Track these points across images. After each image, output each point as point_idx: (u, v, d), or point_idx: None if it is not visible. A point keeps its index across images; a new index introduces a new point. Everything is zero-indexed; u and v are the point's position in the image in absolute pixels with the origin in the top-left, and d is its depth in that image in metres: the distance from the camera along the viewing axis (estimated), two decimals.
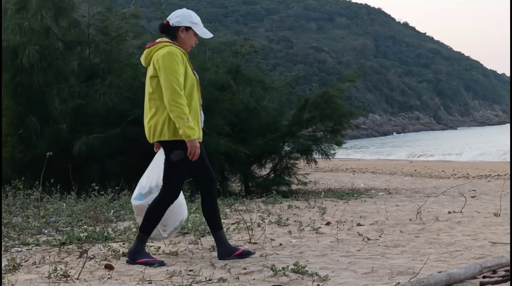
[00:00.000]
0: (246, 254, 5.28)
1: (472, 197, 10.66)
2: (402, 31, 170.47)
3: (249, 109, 12.21)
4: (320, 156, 13.20)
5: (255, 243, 5.98)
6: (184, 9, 5.42)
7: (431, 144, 54.45)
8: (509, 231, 6.55)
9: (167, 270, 4.71)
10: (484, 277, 4.35)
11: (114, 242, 5.97)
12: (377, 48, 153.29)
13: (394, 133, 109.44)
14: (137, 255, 5.09)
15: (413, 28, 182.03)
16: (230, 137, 11.47)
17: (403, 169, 22.25)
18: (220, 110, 11.46)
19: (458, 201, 9.76)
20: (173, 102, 4.98)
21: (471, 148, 41.66)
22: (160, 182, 5.22)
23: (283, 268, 4.57)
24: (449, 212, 8.29)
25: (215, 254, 5.34)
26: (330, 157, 13.28)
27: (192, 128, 5.00)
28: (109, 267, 4.86)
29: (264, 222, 7.36)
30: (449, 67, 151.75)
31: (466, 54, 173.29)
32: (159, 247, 5.64)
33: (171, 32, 5.27)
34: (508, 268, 4.49)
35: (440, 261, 5.08)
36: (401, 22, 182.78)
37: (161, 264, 5.01)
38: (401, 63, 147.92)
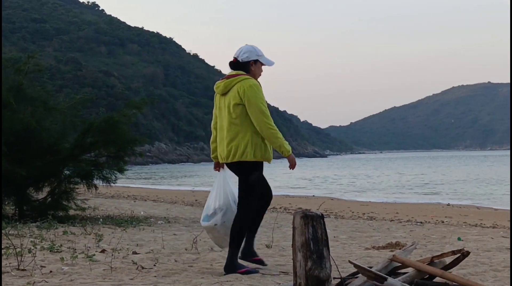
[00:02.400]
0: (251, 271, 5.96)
1: None
2: (192, 63, 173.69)
3: (30, 129, 11.73)
4: (102, 182, 12.96)
5: (23, 269, 5.72)
6: (248, 45, 6.07)
7: (214, 175, 55.65)
8: (278, 262, 6.83)
9: None
10: None
11: None
12: (167, 77, 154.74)
13: (181, 163, 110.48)
14: (232, 268, 5.91)
15: (202, 60, 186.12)
16: (7, 157, 10.93)
17: (184, 198, 22.49)
18: None
19: None
20: (269, 125, 5.76)
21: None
22: (223, 204, 6.07)
23: None
24: None
25: None
26: (111, 183, 13.08)
27: (288, 144, 5.87)
28: None
29: (36, 248, 7.07)
30: None
31: None
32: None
33: (242, 67, 5.99)
34: None
35: None
36: (191, 54, 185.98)
37: (257, 271, 5.95)
38: (189, 93, 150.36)
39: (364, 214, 15.54)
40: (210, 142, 6.22)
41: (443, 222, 13.28)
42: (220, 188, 6.12)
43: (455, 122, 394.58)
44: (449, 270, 4.48)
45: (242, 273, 5.81)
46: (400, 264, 4.35)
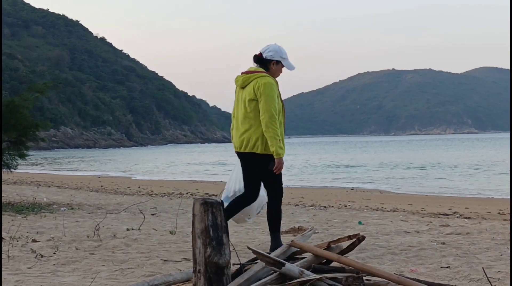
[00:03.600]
0: None
1: (153, 214, 10.93)
2: (99, 46, 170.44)
3: None
4: (4, 168, 12.58)
5: None
6: (275, 44, 6.37)
7: (120, 160, 54.98)
8: (181, 249, 6.82)
9: None
10: None
11: None
12: (73, 60, 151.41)
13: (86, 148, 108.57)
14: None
15: (110, 44, 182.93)
16: None
17: (89, 184, 22.11)
18: None
19: (138, 218, 9.93)
20: (270, 124, 6.04)
21: (158, 166, 42.94)
22: (242, 187, 6.47)
23: None
24: (128, 229, 8.41)
25: None
26: (12, 169, 12.73)
27: (282, 148, 6.12)
28: None
29: None
30: (143, 86, 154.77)
31: (160, 74, 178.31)
32: None
33: (264, 63, 6.32)
34: None
35: (110, 279, 5.11)
36: (98, 37, 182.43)
37: None
38: (96, 77, 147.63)
39: None
40: (231, 128, 6.54)
41: (346, 206, 13.56)
42: (240, 172, 6.53)
43: (360, 108, 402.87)
44: (346, 255, 4.58)
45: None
46: (298, 249, 4.41)
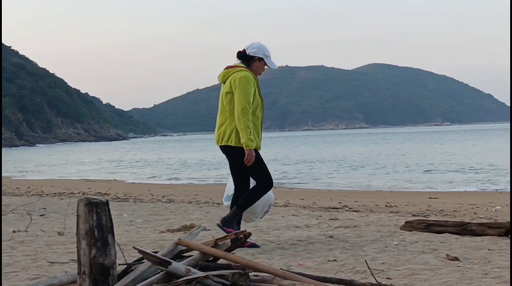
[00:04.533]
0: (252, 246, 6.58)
1: (41, 215, 10.64)
2: None
3: None
4: None
5: None
6: (259, 43, 6.62)
7: (10, 160, 53.21)
8: (70, 250, 6.68)
9: None
10: None
11: None
12: None
13: None
14: (227, 224, 6.44)
15: None
16: None
17: None
18: None
19: (26, 220, 9.64)
20: (242, 116, 6.25)
21: (50, 165, 41.88)
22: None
23: None
24: (14, 231, 8.15)
25: None
26: None
27: (252, 140, 6.29)
28: None
29: None
30: (33, 83, 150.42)
31: (51, 71, 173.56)
32: None
33: (247, 59, 6.57)
34: None
35: None
36: None
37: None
38: None
39: (163, 196, 15.59)
40: None
41: None
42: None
43: None
44: (235, 251, 4.61)
45: (227, 232, 6.25)
46: (185, 248, 4.41)
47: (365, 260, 5.04)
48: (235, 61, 6.71)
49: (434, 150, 50.65)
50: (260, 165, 6.51)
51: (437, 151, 49.34)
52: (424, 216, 10.51)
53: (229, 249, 4.44)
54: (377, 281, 4.36)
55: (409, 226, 8.01)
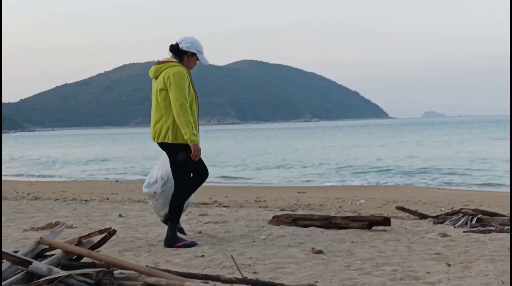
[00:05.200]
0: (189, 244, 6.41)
1: None
2: None
3: None
4: None
5: None
6: (193, 37, 6.51)
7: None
8: None
9: None
10: None
11: None
12: None
13: None
14: (173, 242, 6.38)
15: None
16: None
17: None
18: None
19: None
20: (181, 112, 6.18)
21: None
22: (165, 174, 6.57)
23: None
24: None
25: None
26: None
27: (195, 134, 6.27)
28: None
29: None
30: None
31: None
32: None
33: (179, 54, 6.47)
34: None
35: None
36: None
37: (194, 243, 6.44)
38: None
39: (29, 194, 15.08)
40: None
41: (108, 199, 13.43)
42: (165, 160, 6.62)
43: (126, 99, 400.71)
44: (98, 249, 4.52)
45: (179, 246, 6.32)
46: (48, 246, 4.28)
47: (232, 255, 5.08)
48: (171, 55, 6.58)
49: (313, 146, 51.88)
50: (186, 165, 6.50)
51: (318, 146, 50.56)
52: (292, 210, 10.73)
53: (94, 247, 4.34)
54: (243, 275, 4.40)
55: (277, 220, 8.16)
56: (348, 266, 5.43)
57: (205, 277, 4.19)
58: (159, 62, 6.47)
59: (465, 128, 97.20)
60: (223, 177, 23.73)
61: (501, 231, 7.40)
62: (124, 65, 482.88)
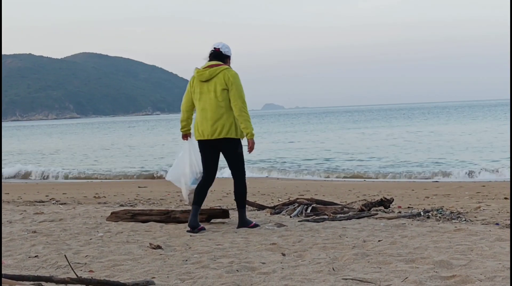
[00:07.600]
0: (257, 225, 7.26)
1: None
2: None
3: None
4: None
5: None
6: (225, 43, 7.19)
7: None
8: None
9: None
10: None
11: None
12: None
13: None
14: (246, 223, 7.24)
15: None
16: None
17: None
18: None
19: None
20: (244, 109, 6.94)
21: None
22: (200, 169, 7.27)
23: None
24: None
25: None
26: None
27: (253, 130, 7.00)
28: None
29: None
30: None
31: None
32: None
33: (222, 58, 7.13)
34: None
35: None
36: None
37: (258, 225, 7.26)
38: None
39: None
40: (181, 120, 7.31)
41: None
42: (193, 155, 7.26)
43: None
44: None
45: (252, 227, 7.11)
46: None
47: (65, 255, 4.95)
48: (211, 60, 7.13)
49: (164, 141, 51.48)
50: (243, 156, 7.24)
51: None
52: (131, 205, 10.61)
53: None
54: (77, 275, 4.30)
55: (115, 216, 8.04)
56: (186, 260, 5.45)
57: (37, 279, 4.06)
58: (211, 66, 7.01)
59: (303, 119, 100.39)
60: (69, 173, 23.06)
61: (333, 219, 7.71)
62: None
